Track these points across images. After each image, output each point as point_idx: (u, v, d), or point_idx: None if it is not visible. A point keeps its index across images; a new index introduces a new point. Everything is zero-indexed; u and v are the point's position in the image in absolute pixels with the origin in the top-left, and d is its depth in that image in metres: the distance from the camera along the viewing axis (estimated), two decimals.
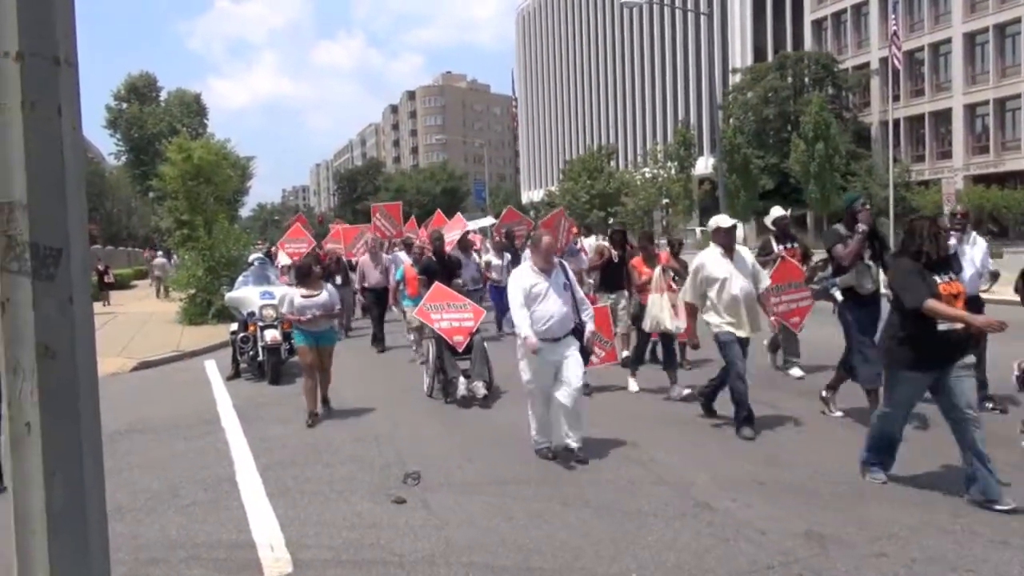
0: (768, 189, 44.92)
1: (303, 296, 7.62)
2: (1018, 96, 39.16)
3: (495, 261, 13.52)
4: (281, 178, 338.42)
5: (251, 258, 12.59)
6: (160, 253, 40.04)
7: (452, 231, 15.04)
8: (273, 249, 17.73)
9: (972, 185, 39.41)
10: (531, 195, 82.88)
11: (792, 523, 4.49)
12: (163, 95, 62.13)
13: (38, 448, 1.41)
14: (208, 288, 17.00)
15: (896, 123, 38.86)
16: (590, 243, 14.88)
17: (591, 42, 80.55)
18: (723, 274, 6.43)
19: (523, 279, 5.87)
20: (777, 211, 9.16)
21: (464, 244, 13.59)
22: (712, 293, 6.47)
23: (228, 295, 11.44)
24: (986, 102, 40.71)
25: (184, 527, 4.83)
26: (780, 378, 8.65)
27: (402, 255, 13.29)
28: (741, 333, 6.40)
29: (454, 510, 4.92)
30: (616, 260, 9.56)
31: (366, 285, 13.08)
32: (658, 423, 6.96)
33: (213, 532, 4.74)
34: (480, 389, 7.85)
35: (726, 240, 6.57)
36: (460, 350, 8.28)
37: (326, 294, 7.71)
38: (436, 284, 8.95)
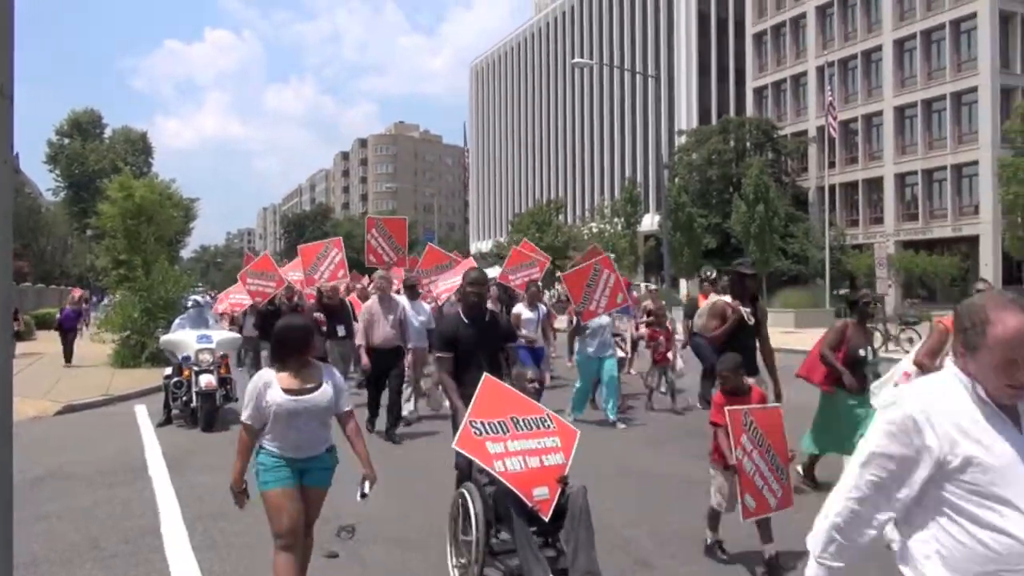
0: (711, 248, 46.06)
1: (287, 391, 3.80)
2: (944, 168, 41.27)
3: (526, 314, 10.38)
4: (227, 220, 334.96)
5: (189, 300, 12.28)
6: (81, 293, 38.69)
7: (450, 279, 11.79)
8: (221, 297, 16.15)
9: (903, 250, 41.13)
10: (479, 245, 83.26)
11: None
12: (108, 132, 61.32)
13: None
14: (143, 330, 16.52)
15: (832, 189, 40.52)
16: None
17: (543, 98, 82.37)
18: None
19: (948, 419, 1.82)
20: None
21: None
22: None
23: (163, 338, 11.13)
24: (915, 172, 42.79)
25: None
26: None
27: (403, 300, 9.66)
28: None
29: (389, 566, 4.80)
30: (750, 322, 6.14)
31: (374, 343, 8.91)
32: (605, 474, 6.69)
33: None
34: None
35: None
36: (546, 515, 4.04)
37: (329, 388, 3.92)
38: (487, 378, 4.53)
